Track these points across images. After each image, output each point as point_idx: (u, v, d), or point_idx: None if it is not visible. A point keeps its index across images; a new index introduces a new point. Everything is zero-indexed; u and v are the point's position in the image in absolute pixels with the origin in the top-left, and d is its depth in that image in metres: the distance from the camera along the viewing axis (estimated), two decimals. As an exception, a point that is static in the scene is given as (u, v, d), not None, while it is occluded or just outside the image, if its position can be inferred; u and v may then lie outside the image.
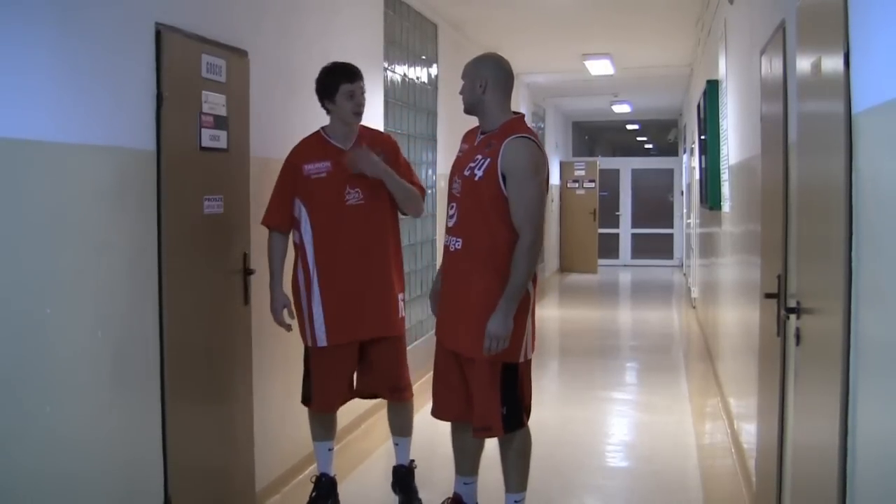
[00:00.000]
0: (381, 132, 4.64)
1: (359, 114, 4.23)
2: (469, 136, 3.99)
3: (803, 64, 2.96)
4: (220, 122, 3.97)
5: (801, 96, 3.07)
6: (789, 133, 3.36)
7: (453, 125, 8.32)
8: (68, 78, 3.03)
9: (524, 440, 3.92)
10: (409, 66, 7.38)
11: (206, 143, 3.87)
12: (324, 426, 4.41)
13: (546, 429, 6.12)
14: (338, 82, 4.19)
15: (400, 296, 4.33)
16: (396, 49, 6.99)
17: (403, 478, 4.48)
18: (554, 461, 5.31)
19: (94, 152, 3.16)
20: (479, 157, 3.77)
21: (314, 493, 4.38)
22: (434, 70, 8.12)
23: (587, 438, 5.90)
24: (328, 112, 4.28)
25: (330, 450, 4.43)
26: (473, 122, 4.01)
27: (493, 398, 3.75)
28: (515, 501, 3.94)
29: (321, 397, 4.32)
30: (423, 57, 7.84)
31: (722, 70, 6.67)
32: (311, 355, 4.28)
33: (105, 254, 3.23)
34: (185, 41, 3.72)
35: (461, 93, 3.93)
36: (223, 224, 4.05)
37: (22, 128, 2.79)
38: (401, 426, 4.46)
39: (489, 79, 3.84)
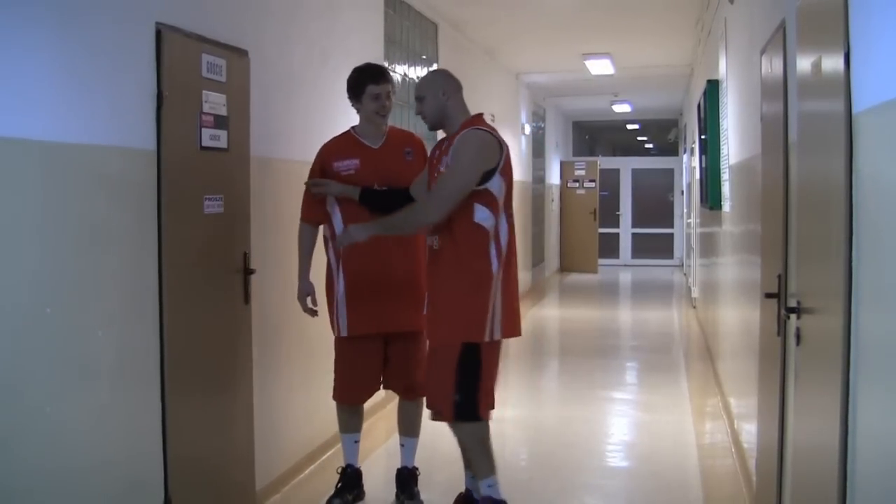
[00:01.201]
0: (410, 133, 4.73)
1: (382, 115, 4.35)
2: (440, 144, 4.10)
3: (803, 64, 2.96)
4: (220, 122, 3.97)
5: (801, 96, 3.07)
6: (789, 133, 3.36)
7: (453, 125, 8.32)
8: (68, 77, 3.03)
9: (477, 429, 3.92)
10: (410, 65, 7.39)
11: (206, 142, 3.87)
12: (350, 418, 4.52)
13: (546, 429, 6.13)
14: (364, 83, 4.32)
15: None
16: (397, 49, 6.99)
17: (406, 480, 4.52)
18: (554, 461, 5.32)
19: (94, 152, 3.15)
20: (445, 157, 3.92)
21: (340, 484, 4.48)
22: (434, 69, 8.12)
23: (587, 438, 5.90)
24: (357, 111, 4.40)
25: (356, 441, 4.53)
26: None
27: (447, 382, 3.83)
28: (489, 486, 3.95)
29: (343, 388, 4.45)
30: (424, 56, 7.84)
31: (722, 70, 6.67)
32: (337, 346, 4.44)
33: (105, 253, 3.23)
34: (186, 41, 3.72)
35: (420, 112, 4.04)
36: (223, 224, 4.05)
37: (22, 127, 2.79)
38: (409, 425, 4.52)
39: (448, 86, 4.00)
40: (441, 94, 3.97)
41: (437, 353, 3.93)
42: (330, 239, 4.37)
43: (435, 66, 8.14)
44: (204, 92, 3.84)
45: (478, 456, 3.96)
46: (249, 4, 4.44)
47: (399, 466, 4.55)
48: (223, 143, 4.00)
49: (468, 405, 3.84)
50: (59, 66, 2.98)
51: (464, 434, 3.95)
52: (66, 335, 3.02)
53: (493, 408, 3.99)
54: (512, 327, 3.95)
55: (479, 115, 4.05)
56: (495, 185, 3.84)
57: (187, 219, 3.74)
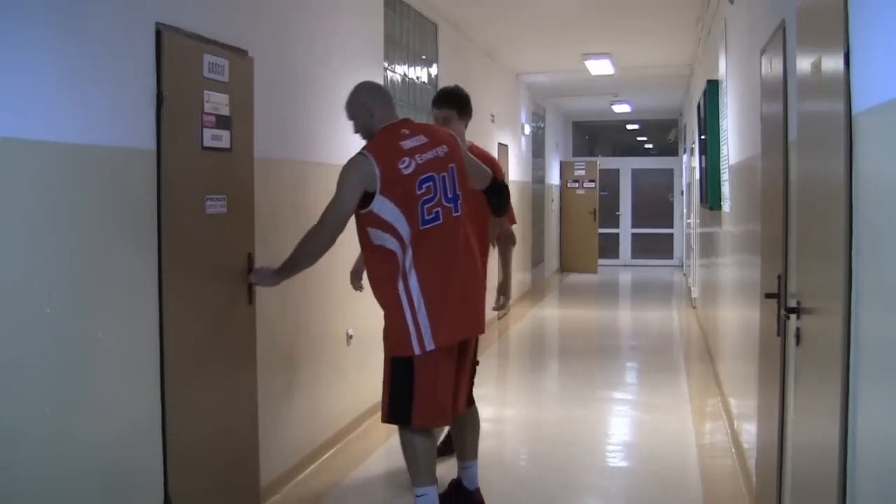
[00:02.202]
0: (486, 154, 4.82)
1: None
2: None
3: (803, 64, 2.96)
4: (222, 122, 3.96)
5: (801, 96, 3.07)
6: (789, 133, 3.36)
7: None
8: (68, 78, 3.03)
9: (404, 439, 4.03)
10: (409, 65, 7.39)
11: (207, 142, 3.86)
12: None
13: (546, 428, 6.13)
14: (431, 106, 4.85)
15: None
16: (396, 49, 6.99)
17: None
18: (554, 461, 5.32)
19: (93, 152, 3.16)
20: None
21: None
22: (434, 70, 8.12)
23: (587, 438, 5.90)
24: None
25: None
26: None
27: (385, 387, 3.99)
28: (417, 496, 4.03)
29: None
30: (423, 57, 7.84)
31: (722, 70, 6.67)
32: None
33: (105, 254, 3.23)
34: (186, 41, 3.72)
35: (356, 132, 4.15)
36: (226, 224, 4.04)
37: (22, 128, 2.80)
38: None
39: (369, 102, 4.07)
40: (365, 112, 4.05)
41: (384, 363, 4.04)
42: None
43: (434, 67, 8.14)
44: (205, 92, 3.84)
45: (409, 463, 4.05)
46: (250, 4, 4.44)
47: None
48: (226, 143, 4.00)
49: (399, 412, 3.95)
50: (58, 67, 2.98)
51: (401, 439, 4.06)
52: (66, 335, 3.02)
53: (442, 420, 4.10)
54: (453, 332, 3.92)
55: (386, 128, 3.98)
56: (382, 208, 3.78)
57: (187, 219, 3.74)
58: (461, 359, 4.11)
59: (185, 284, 3.70)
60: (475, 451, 4.41)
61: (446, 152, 3.98)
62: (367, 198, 3.82)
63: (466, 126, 4.79)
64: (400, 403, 3.93)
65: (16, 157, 2.77)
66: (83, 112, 3.10)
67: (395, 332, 3.91)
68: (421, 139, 3.96)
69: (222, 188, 3.99)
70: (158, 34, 3.51)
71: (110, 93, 3.25)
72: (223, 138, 3.98)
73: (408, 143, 3.92)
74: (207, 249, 3.92)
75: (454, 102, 4.73)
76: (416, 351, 3.85)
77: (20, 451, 2.81)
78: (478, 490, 4.41)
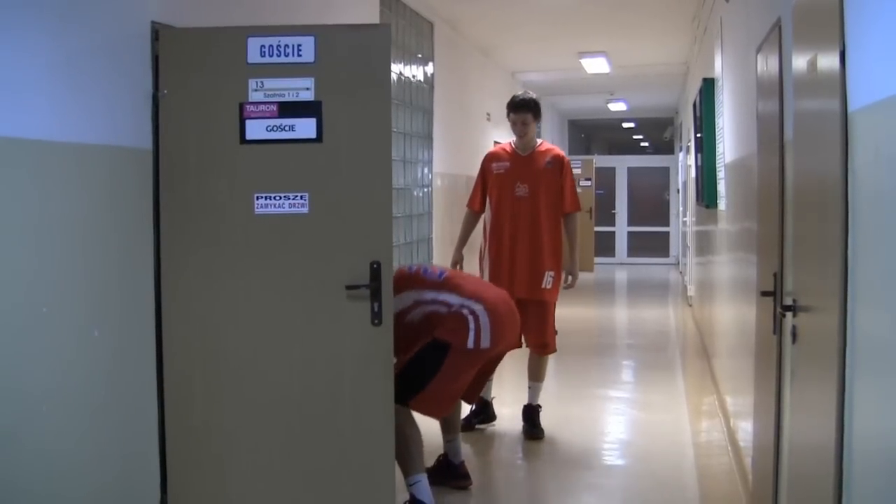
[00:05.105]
0: (555, 149, 5.95)
1: (519, 136, 5.66)
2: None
3: (799, 62, 2.96)
4: (294, 109, 3.87)
5: (796, 94, 3.07)
6: (785, 131, 3.36)
7: (449, 124, 8.32)
8: (65, 77, 3.03)
9: (400, 421, 3.87)
10: (405, 64, 7.38)
11: (256, 135, 3.73)
12: None
13: (543, 427, 6.13)
14: (508, 111, 5.65)
15: (549, 272, 5.61)
16: (392, 47, 6.97)
17: (530, 413, 5.72)
18: (551, 460, 5.32)
19: (90, 151, 3.15)
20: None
21: (472, 409, 5.69)
22: (430, 68, 8.11)
23: (584, 437, 5.90)
24: None
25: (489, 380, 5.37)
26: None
27: (400, 363, 4.07)
28: (410, 485, 4.09)
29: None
30: (419, 55, 7.83)
31: (718, 68, 6.68)
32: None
33: (102, 252, 3.23)
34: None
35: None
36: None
37: (20, 127, 2.79)
38: (535, 373, 5.84)
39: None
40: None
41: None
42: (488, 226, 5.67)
43: (430, 65, 8.14)
44: (252, 80, 3.58)
45: (400, 453, 3.94)
46: (245, 3, 4.43)
47: (525, 404, 5.74)
48: (304, 133, 3.64)
49: (402, 388, 3.87)
50: (55, 66, 2.98)
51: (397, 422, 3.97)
52: (63, 334, 3.02)
53: (437, 414, 4.31)
54: (493, 339, 4.20)
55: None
56: None
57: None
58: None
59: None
60: (459, 426, 4.74)
61: None
62: None
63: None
64: (409, 381, 4.00)
65: (14, 156, 2.77)
66: (80, 111, 3.10)
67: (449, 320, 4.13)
68: None
69: (294, 185, 3.61)
70: (155, 34, 3.52)
71: (107, 92, 3.25)
72: (297, 128, 3.61)
73: None
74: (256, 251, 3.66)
75: (529, 106, 5.60)
76: (471, 344, 4.09)
77: (17, 450, 2.80)
78: (462, 463, 4.65)
